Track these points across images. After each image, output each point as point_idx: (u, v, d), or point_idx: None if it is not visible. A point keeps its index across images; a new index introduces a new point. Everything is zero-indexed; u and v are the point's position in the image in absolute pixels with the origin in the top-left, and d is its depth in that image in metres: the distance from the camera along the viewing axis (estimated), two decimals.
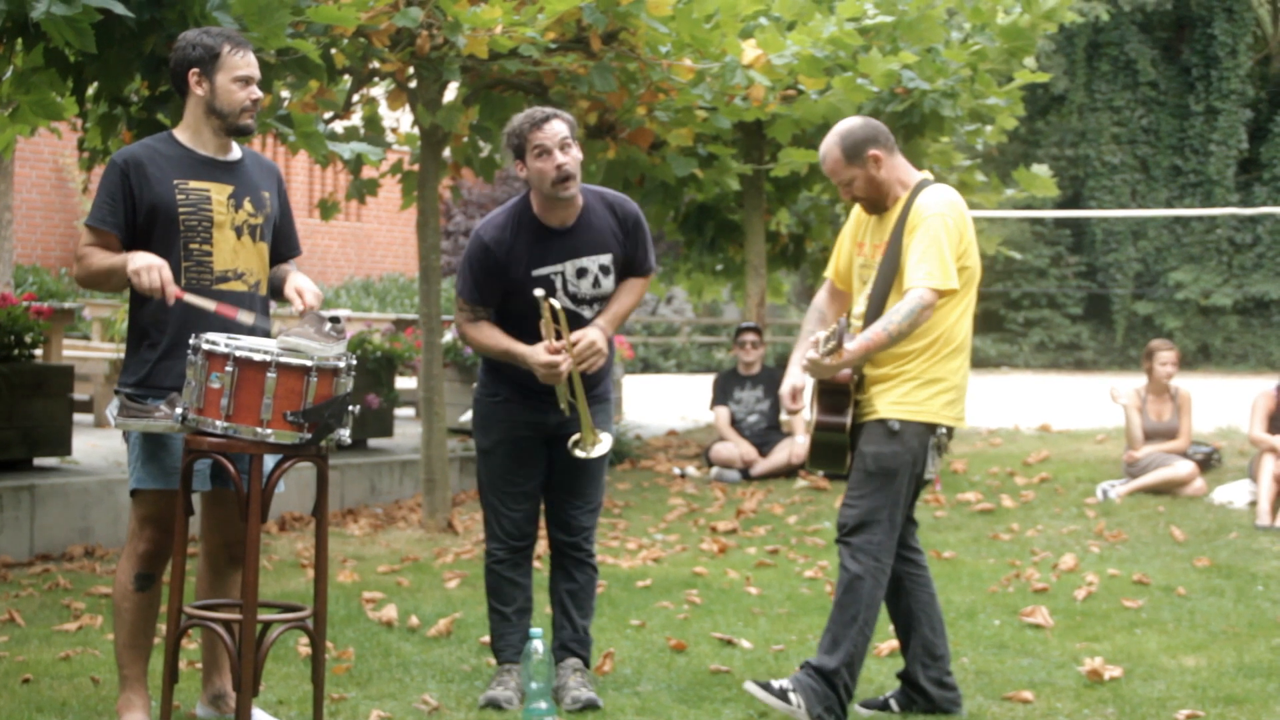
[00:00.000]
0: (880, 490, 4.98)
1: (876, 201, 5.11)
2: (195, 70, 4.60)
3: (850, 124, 5.16)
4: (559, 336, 5.06)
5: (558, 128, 5.05)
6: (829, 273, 5.38)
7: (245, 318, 4.47)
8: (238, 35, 4.67)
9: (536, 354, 5.04)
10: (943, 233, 4.95)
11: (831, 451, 5.15)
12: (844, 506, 5.06)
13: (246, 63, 4.62)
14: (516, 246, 5.12)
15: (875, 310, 5.04)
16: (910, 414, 4.98)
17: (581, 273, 5.17)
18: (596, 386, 5.27)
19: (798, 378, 5.15)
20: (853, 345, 4.86)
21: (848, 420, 5.07)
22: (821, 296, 5.41)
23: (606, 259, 5.21)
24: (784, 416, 11.72)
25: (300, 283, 4.68)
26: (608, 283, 5.22)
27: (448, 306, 16.19)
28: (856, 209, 5.29)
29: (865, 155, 5.05)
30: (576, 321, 5.17)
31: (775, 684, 4.93)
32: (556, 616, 5.40)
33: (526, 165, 5.08)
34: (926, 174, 5.19)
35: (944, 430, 5.05)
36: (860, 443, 5.04)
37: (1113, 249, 29.35)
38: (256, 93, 4.64)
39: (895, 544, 5.05)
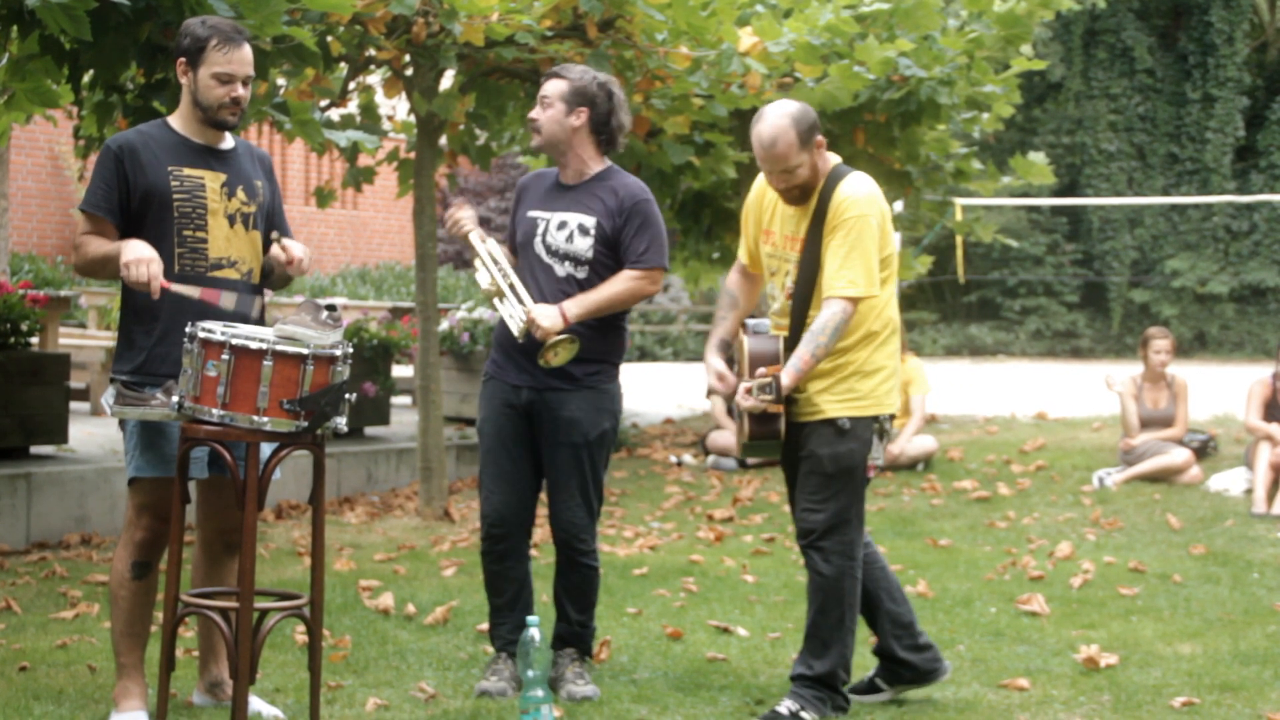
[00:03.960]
0: (843, 490, 4.92)
1: (809, 190, 4.91)
2: (182, 60, 4.60)
3: (792, 106, 4.89)
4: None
5: (546, 86, 5.38)
6: (742, 255, 5.23)
7: (227, 302, 4.51)
8: (231, 30, 4.60)
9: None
10: (865, 234, 4.81)
11: (765, 447, 5.05)
12: (806, 511, 4.95)
13: (228, 60, 4.55)
14: (533, 188, 5.44)
15: (800, 307, 4.93)
16: (858, 409, 4.89)
17: (561, 225, 5.28)
18: (583, 364, 5.23)
19: (720, 364, 5.07)
20: (785, 379, 4.77)
21: (781, 428, 4.91)
22: (734, 278, 5.26)
23: (589, 221, 5.25)
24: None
25: (288, 241, 4.68)
26: (582, 242, 5.23)
27: (444, 294, 16.23)
28: (758, 189, 5.09)
29: (813, 140, 4.85)
30: (547, 275, 5.24)
31: (783, 710, 4.88)
32: (557, 607, 5.41)
33: None
34: (836, 158, 4.99)
35: (886, 417, 4.97)
36: (811, 444, 4.92)
37: (1109, 237, 29.32)
38: (238, 91, 4.58)
39: (863, 535, 5.03)
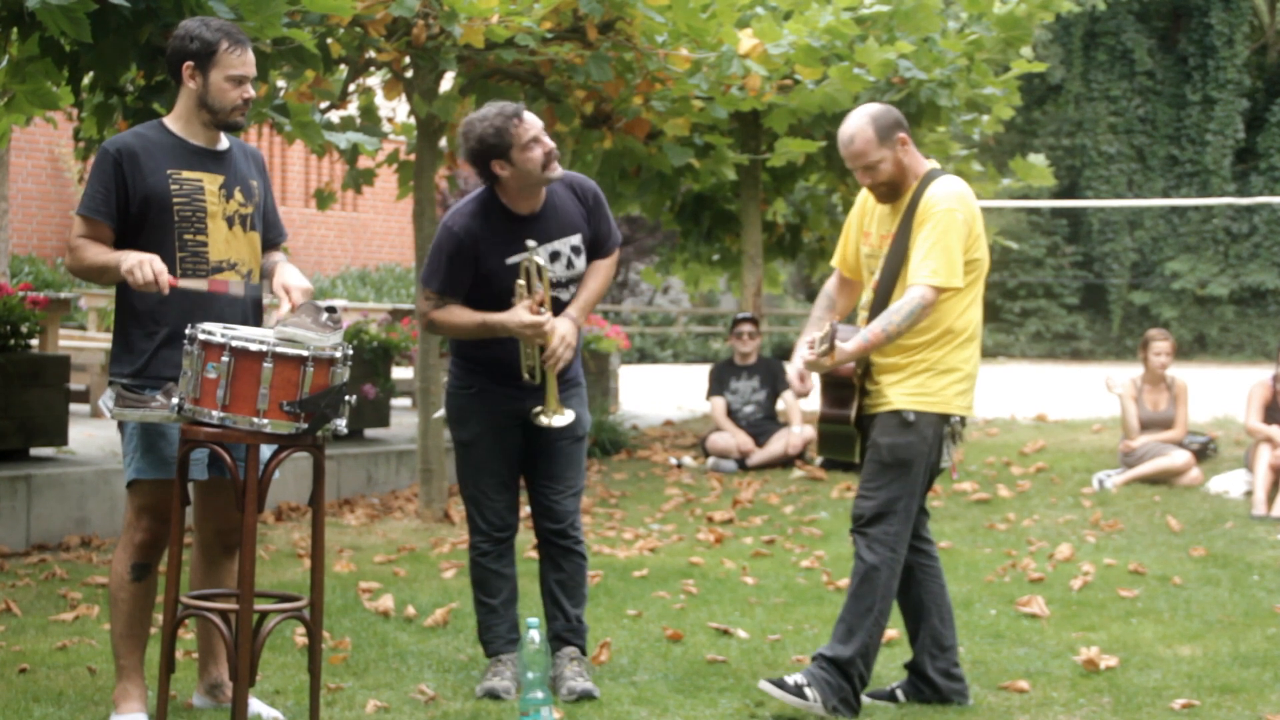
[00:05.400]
0: (896, 481, 4.97)
1: (897, 187, 5.03)
2: (190, 64, 4.58)
3: (875, 107, 5.08)
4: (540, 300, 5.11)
5: (534, 117, 5.16)
6: (835, 261, 5.34)
7: (236, 289, 4.53)
8: (237, 31, 4.62)
9: (517, 314, 5.05)
10: (952, 228, 4.92)
11: (840, 441, 5.15)
12: (860, 497, 5.03)
13: (242, 61, 4.58)
14: (487, 236, 5.15)
15: (881, 301, 5.02)
16: (925, 405, 4.96)
17: (554, 256, 5.21)
18: (567, 370, 5.27)
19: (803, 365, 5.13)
20: (849, 345, 4.85)
21: (851, 413, 5.06)
22: (831, 283, 5.36)
23: (577, 239, 5.26)
24: (780, 406, 11.73)
25: (288, 279, 4.62)
26: (580, 263, 5.27)
27: None
28: (862, 196, 5.23)
29: (895, 138, 4.99)
30: (553, 306, 5.19)
31: (789, 680, 4.90)
32: (548, 607, 5.39)
33: (512, 163, 5.08)
34: (935, 163, 5.14)
35: (957, 419, 5.03)
36: (874, 433, 5.01)
37: (1109, 239, 29.35)
38: (250, 91, 4.61)
39: (910, 534, 5.05)
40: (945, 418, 5.01)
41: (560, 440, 5.28)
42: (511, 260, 5.13)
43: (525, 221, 5.18)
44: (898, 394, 4.98)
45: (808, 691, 4.87)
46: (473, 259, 5.15)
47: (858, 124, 4.99)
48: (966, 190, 5.03)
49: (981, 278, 5.07)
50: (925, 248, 4.90)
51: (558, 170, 5.15)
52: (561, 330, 5.11)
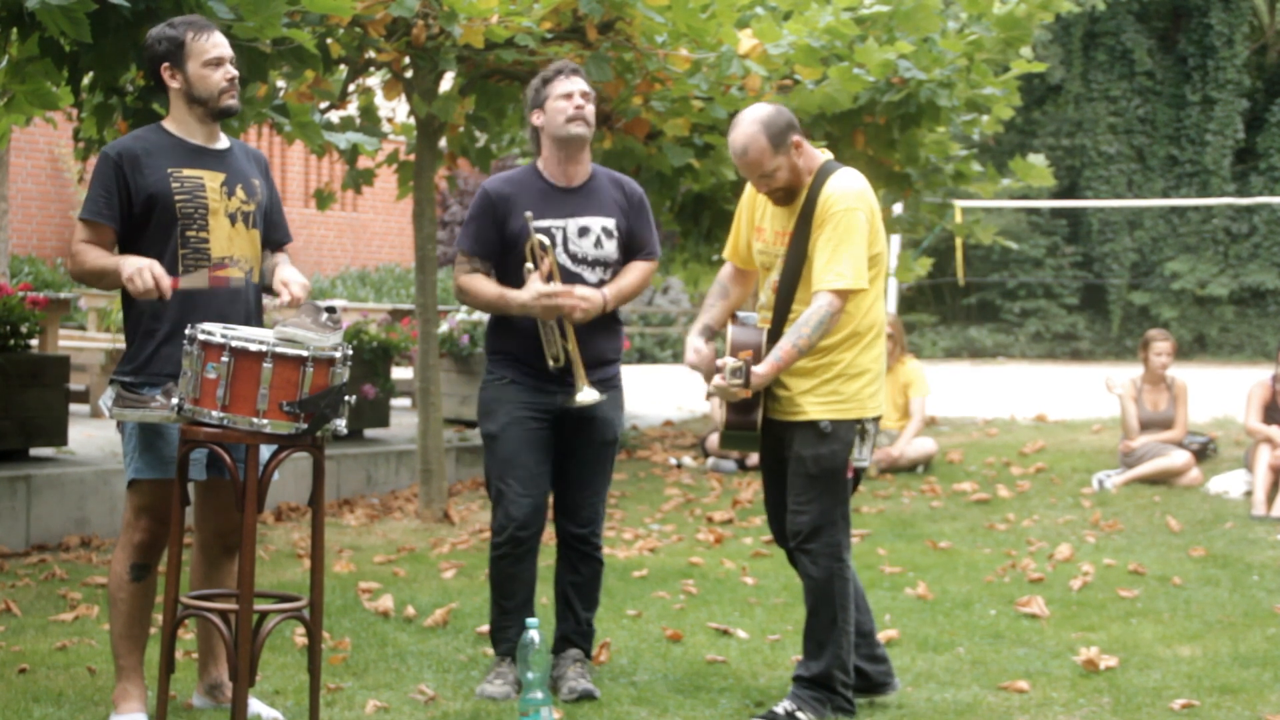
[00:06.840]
0: (827, 491, 4.90)
1: (794, 191, 4.89)
2: (166, 65, 4.62)
3: (764, 110, 4.88)
4: (548, 276, 5.09)
5: (577, 82, 5.21)
6: (727, 254, 5.23)
7: (236, 282, 4.56)
8: (201, 20, 4.68)
9: (532, 286, 5.06)
10: (854, 228, 4.78)
11: (743, 441, 5.06)
12: (793, 513, 4.93)
13: (213, 44, 4.61)
14: (519, 198, 5.19)
15: (783, 302, 4.91)
16: (840, 412, 4.86)
17: (584, 231, 5.21)
18: (604, 368, 5.27)
19: (699, 341, 5.01)
20: (762, 369, 4.76)
21: (758, 419, 4.92)
22: (726, 270, 5.24)
23: (610, 223, 5.25)
24: None
25: (288, 274, 4.67)
26: (610, 246, 5.24)
27: (444, 296, 16.22)
28: (749, 189, 5.09)
29: (789, 142, 4.83)
30: (578, 283, 5.18)
31: (779, 710, 4.88)
32: (559, 608, 5.40)
33: (545, 111, 5.19)
34: (827, 154, 4.99)
35: (870, 419, 4.94)
36: (795, 446, 4.90)
37: (1109, 239, 29.31)
38: (231, 71, 4.63)
39: (850, 537, 5.01)
40: (858, 420, 4.91)
41: (592, 445, 5.29)
42: (537, 224, 5.14)
43: (559, 191, 5.22)
44: (811, 403, 4.87)
45: (800, 715, 4.86)
46: (500, 219, 5.18)
47: (749, 132, 4.82)
48: (864, 185, 4.90)
49: (882, 273, 4.96)
50: (828, 251, 4.77)
51: (579, 129, 5.14)
52: (586, 291, 5.10)
